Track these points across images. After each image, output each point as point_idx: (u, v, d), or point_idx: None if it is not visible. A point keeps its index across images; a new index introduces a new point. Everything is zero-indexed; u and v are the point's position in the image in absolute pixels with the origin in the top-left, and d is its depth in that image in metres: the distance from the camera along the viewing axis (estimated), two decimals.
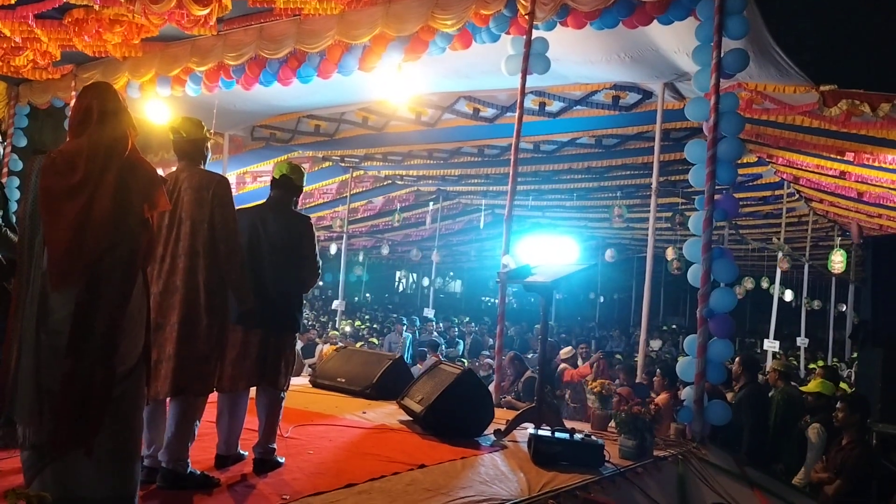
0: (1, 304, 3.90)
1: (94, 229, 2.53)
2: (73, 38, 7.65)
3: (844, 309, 18.85)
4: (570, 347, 10.19)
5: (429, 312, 17.93)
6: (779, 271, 13.29)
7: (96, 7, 6.98)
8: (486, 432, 5.13)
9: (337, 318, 16.02)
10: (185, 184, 3.58)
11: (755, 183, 11.90)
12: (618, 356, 12.54)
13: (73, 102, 9.36)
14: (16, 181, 9.76)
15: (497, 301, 7.96)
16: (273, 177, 4.20)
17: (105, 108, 2.63)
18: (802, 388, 7.23)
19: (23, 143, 10.06)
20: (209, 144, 3.80)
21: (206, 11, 6.51)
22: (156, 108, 8.78)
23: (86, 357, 2.49)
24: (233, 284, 3.58)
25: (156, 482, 3.41)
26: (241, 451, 4.02)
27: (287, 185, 4.18)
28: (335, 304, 15.89)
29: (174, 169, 3.77)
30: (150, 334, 2.80)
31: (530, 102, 8.79)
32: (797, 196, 12.69)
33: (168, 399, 3.55)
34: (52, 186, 2.53)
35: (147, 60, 8.32)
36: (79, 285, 2.52)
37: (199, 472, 3.55)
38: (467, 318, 21.05)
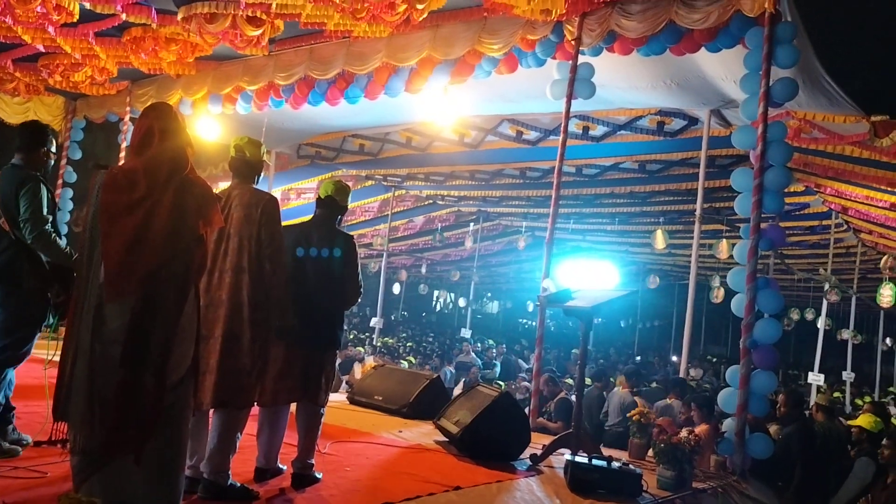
0: (37, 308, 4.02)
1: (150, 244, 2.62)
2: (130, 55, 7.92)
3: (892, 343, 18.33)
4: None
5: (465, 333, 17.92)
6: (825, 303, 12.98)
7: (154, 26, 7.22)
8: (521, 456, 5.11)
9: (374, 336, 16.15)
10: (236, 201, 3.68)
11: (802, 212, 11.70)
12: (654, 384, 12.30)
13: (133, 121, 9.72)
14: (69, 192, 10.11)
15: (534, 322, 7.90)
16: (318, 195, 4.28)
17: (165, 128, 2.74)
18: (849, 422, 7.07)
19: (78, 155, 10.42)
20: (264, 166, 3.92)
21: (259, 32, 6.71)
22: (206, 124, 9.01)
23: (139, 367, 2.57)
24: (276, 301, 3.65)
25: (197, 493, 3.47)
26: (280, 465, 4.08)
27: (332, 205, 4.25)
28: (373, 321, 16.01)
29: (226, 185, 3.88)
30: (199, 346, 2.88)
31: (574, 126, 8.81)
32: (846, 227, 12.43)
33: (211, 411, 3.62)
34: (112, 202, 2.63)
35: (200, 78, 8.57)
36: (134, 298, 2.60)
37: (239, 485, 3.61)
38: (492, 341, 20.79)
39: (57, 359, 2.82)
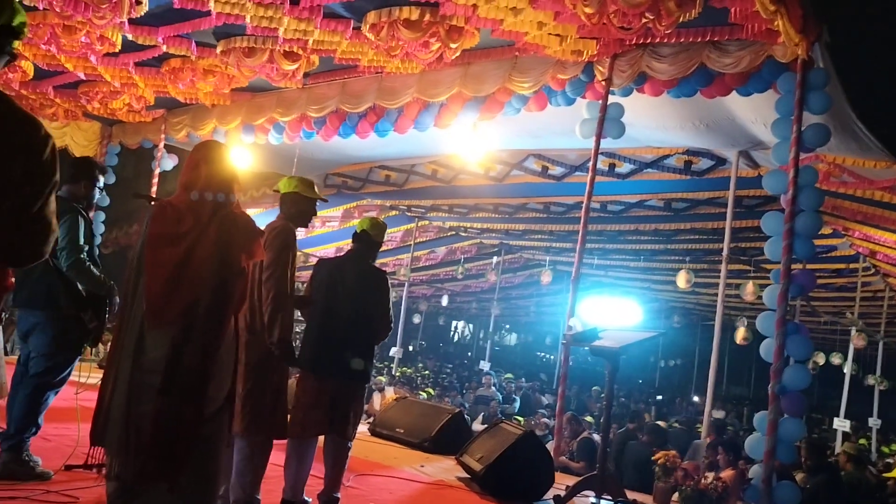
0: (75, 333, 4.11)
1: (192, 276, 2.68)
2: (168, 84, 8.13)
3: None
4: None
5: (484, 365, 17.81)
6: (851, 347, 12.79)
7: (193, 58, 7.40)
8: (544, 497, 5.07)
9: (393, 365, 16.12)
10: None
11: (829, 255, 11.59)
12: (676, 423, 12.16)
13: (167, 148, 9.96)
14: (101, 215, 10.29)
15: (553, 357, 7.78)
16: (355, 231, 4.35)
17: (213, 165, 2.82)
18: (886, 475, 6.93)
19: (111, 180, 10.60)
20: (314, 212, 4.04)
21: (295, 67, 6.85)
22: (239, 153, 9.16)
23: (177, 397, 2.61)
24: (267, 323, 3.65)
25: None
26: (306, 498, 4.08)
27: (367, 240, 4.33)
28: (392, 350, 15.99)
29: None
30: (236, 377, 2.91)
31: (600, 163, 8.78)
32: (873, 270, 12.30)
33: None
34: (159, 234, 2.70)
35: (234, 108, 8.74)
36: (175, 328, 2.65)
37: None
38: (510, 375, 20.57)
39: (90, 382, 2.87)
